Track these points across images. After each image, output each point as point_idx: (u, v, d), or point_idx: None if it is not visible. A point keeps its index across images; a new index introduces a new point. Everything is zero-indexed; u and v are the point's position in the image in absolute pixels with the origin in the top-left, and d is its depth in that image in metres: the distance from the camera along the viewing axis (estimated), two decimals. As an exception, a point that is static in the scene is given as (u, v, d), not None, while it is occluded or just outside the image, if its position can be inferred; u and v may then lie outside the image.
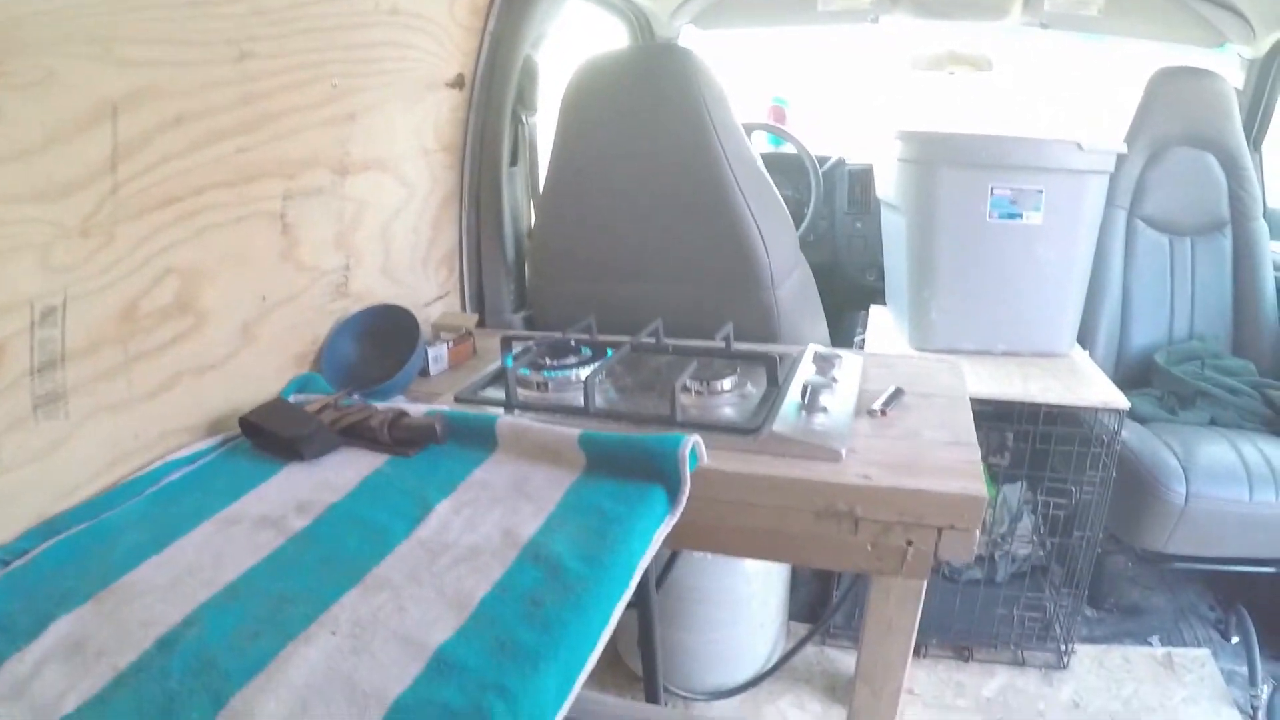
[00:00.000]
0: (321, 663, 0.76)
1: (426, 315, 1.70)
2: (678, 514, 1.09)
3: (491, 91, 1.86)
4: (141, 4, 1.04)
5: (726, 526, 1.20)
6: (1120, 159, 2.16)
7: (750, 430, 1.26)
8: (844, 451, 1.22)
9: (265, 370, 1.37)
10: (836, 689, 2.15)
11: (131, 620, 0.84)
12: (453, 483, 1.10)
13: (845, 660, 2.25)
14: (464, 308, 1.96)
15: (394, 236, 1.67)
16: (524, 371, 1.43)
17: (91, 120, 1.01)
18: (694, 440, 1.12)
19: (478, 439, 1.21)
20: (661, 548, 1.09)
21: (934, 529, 1.15)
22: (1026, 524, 2.35)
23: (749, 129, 1.78)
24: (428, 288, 1.82)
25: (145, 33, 1.06)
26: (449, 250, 1.89)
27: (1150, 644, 2.37)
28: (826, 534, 1.18)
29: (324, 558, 0.94)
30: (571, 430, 1.16)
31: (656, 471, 1.10)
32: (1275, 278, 2.65)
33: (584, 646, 0.83)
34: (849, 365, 1.53)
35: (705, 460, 1.15)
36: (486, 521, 1.01)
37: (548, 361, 1.49)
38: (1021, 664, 2.25)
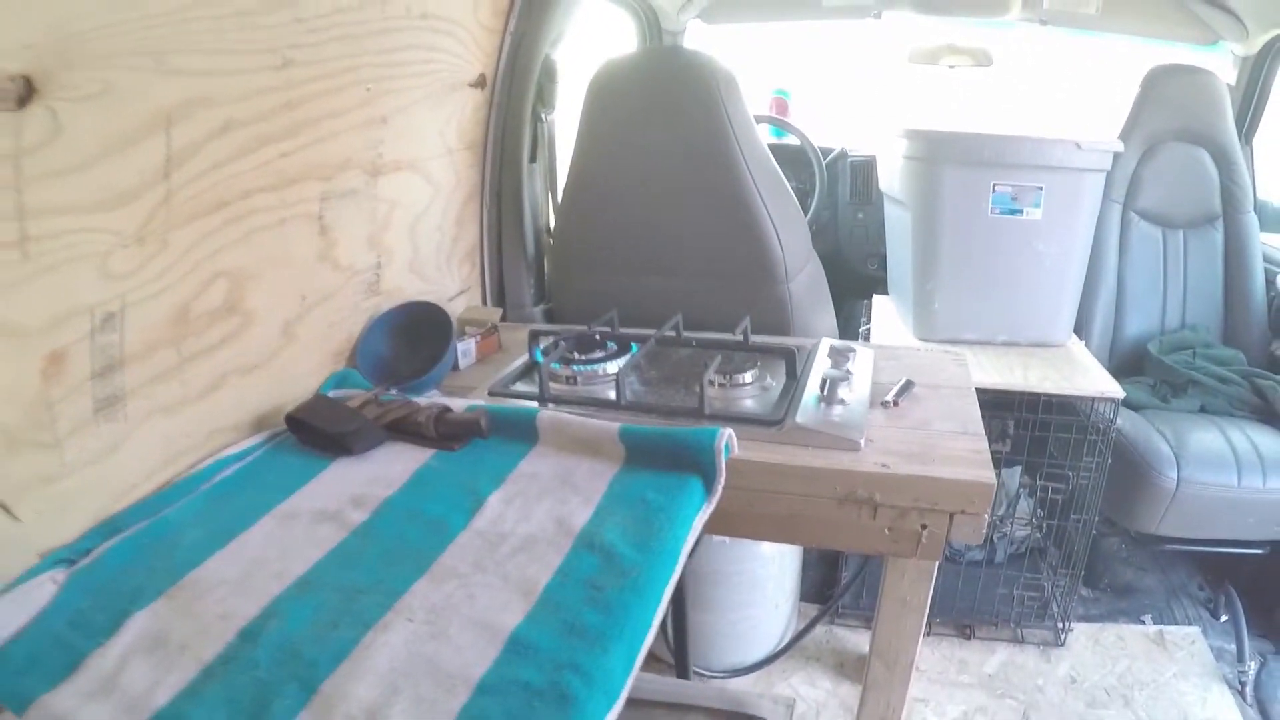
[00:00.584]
0: (403, 648, 0.81)
1: (451, 310, 1.73)
2: (714, 502, 1.15)
3: (512, 91, 1.90)
4: (193, 15, 1.07)
5: (754, 512, 1.26)
6: (1116, 155, 2.22)
7: (774, 422, 1.31)
8: (862, 442, 1.28)
9: (304, 368, 1.41)
10: (845, 665, 2.22)
11: (208, 614, 0.88)
12: (501, 475, 1.16)
13: (852, 638, 2.32)
14: (485, 301, 2.00)
15: (421, 234, 1.71)
16: (554, 366, 1.48)
17: (147, 130, 1.04)
18: (728, 434, 1.18)
19: (519, 432, 1.26)
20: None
21: (946, 514, 1.22)
22: (1024, 507, 2.42)
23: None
24: (451, 283, 1.86)
25: (196, 43, 1.09)
26: (471, 246, 1.94)
27: (1143, 622, 2.45)
28: (847, 519, 1.24)
29: (388, 550, 0.99)
30: (610, 424, 1.22)
31: (693, 463, 1.16)
32: (1264, 269, 2.72)
33: (642, 627, 0.89)
34: (862, 358, 1.58)
35: (736, 452, 1.21)
36: (538, 512, 1.06)
37: (576, 356, 1.53)
38: (1021, 641, 2.32)
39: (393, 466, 1.19)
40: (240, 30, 1.16)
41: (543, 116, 1.99)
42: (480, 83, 1.83)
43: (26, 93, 0.88)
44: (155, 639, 0.85)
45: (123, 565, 0.97)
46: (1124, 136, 2.66)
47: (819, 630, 2.30)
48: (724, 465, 1.15)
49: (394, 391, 1.40)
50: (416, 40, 1.58)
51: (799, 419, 1.31)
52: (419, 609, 0.87)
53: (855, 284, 3.02)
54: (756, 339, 1.63)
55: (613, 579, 0.92)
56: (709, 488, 1.15)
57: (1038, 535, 2.45)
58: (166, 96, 1.06)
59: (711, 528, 1.16)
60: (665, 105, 1.76)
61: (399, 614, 0.86)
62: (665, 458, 1.17)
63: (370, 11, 1.42)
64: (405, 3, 1.50)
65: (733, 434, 1.19)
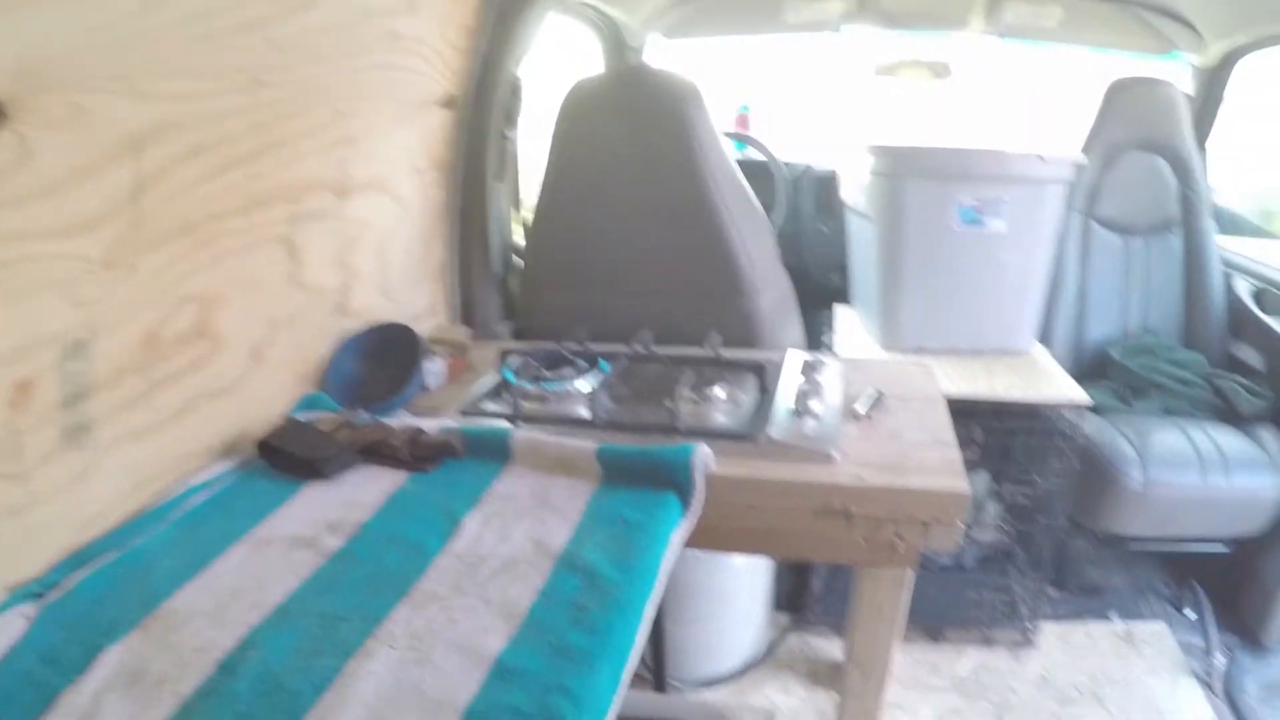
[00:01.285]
0: (388, 676, 0.81)
1: (419, 329, 1.73)
2: (693, 519, 1.15)
3: (480, 110, 1.91)
4: (164, 37, 1.06)
5: (731, 527, 1.26)
6: (1079, 166, 2.26)
7: (749, 437, 1.32)
8: (837, 454, 1.29)
9: (273, 391, 1.39)
10: (818, 673, 2.23)
11: (185, 646, 0.86)
12: (475, 496, 1.15)
13: (824, 646, 2.33)
14: (452, 320, 2.00)
15: (389, 254, 1.70)
16: (525, 384, 1.48)
17: (116, 154, 1.02)
18: (705, 451, 1.18)
19: (493, 453, 1.26)
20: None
21: (921, 523, 1.23)
22: (991, 511, 2.44)
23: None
24: (419, 302, 1.85)
25: (167, 66, 1.08)
26: (438, 265, 1.93)
27: (1110, 620, 2.49)
28: (823, 530, 1.25)
29: (366, 575, 0.98)
30: (587, 444, 1.22)
31: (670, 480, 1.16)
32: (1222, 272, 2.77)
33: (627, 646, 0.88)
34: (831, 370, 1.59)
35: (713, 468, 1.21)
36: (516, 533, 1.06)
37: (546, 374, 1.53)
38: (991, 643, 2.35)
39: (367, 490, 1.18)
40: (211, 52, 1.15)
41: (508, 135, 1.99)
42: (448, 102, 1.83)
43: (-5, 117, 0.86)
44: (131, 674, 0.82)
45: (95, 598, 0.95)
46: (1086, 147, 2.71)
47: (791, 638, 2.30)
48: (702, 482, 1.16)
49: (364, 414, 1.39)
50: (385, 60, 1.57)
51: (773, 433, 1.32)
52: (401, 635, 0.87)
53: (818, 295, 3.03)
54: (726, 353, 1.64)
55: (596, 599, 0.92)
56: (687, 505, 1.15)
57: (1005, 539, 2.47)
58: (136, 120, 1.04)
59: (690, 543, 1.16)
60: (635, 125, 1.77)
61: (381, 641, 0.86)
62: (642, 476, 1.17)
63: (340, 32, 1.41)
64: (375, 22, 1.50)
65: (709, 450, 1.20)
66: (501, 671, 0.81)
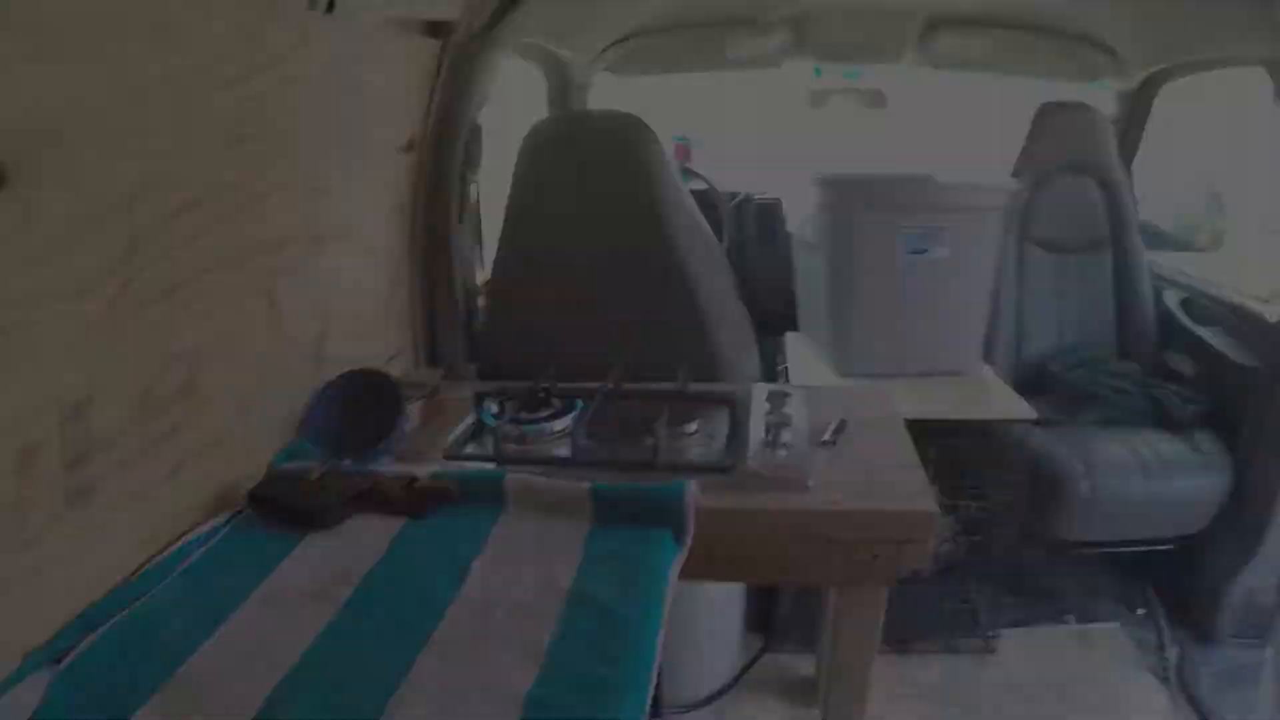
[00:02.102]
0: None
1: (389, 372, 1.74)
2: (685, 552, 1.19)
3: (440, 153, 1.93)
4: (155, 95, 1.08)
5: (715, 556, 1.29)
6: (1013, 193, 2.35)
7: (727, 469, 1.37)
8: (811, 482, 1.34)
9: (258, 442, 1.40)
10: (791, 689, 2.28)
11: (216, 705, 0.87)
12: (478, 540, 1.18)
13: (794, 663, 2.37)
14: (418, 361, 2.01)
15: (359, 299, 1.72)
16: (507, 426, 1.51)
17: (111, 213, 1.03)
18: (694, 487, 1.23)
19: (488, 496, 1.29)
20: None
21: (895, 542, 1.29)
22: (945, 524, 2.51)
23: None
24: (387, 346, 1.87)
25: (157, 123, 1.09)
26: (403, 307, 1.95)
27: (1066, 622, 2.56)
28: (803, 554, 1.31)
29: (384, 624, 1.01)
30: (580, 484, 1.26)
31: (663, 517, 1.21)
32: (1151, 285, 2.89)
33: (645, 676, 0.93)
34: (796, 400, 1.64)
35: (700, 503, 1.25)
36: (524, 574, 1.09)
37: (525, 415, 1.56)
38: (955, 651, 2.40)
39: (366, 538, 1.20)
40: (195, 109, 1.16)
41: (469, 178, 2.02)
42: (410, 147, 1.85)
43: (-2, 180, 0.87)
44: (169, 736, 0.83)
45: (110, 660, 0.95)
46: (1016, 170, 2.82)
47: (764, 658, 2.34)
48: (693, 517, 1.20)
49: (347, 462, 1.40)
50: (354, 110, 1.60)
51: (750, 465, 1.36)
52: (430, 682, 0.89)
53: (765, 323, 3.07)
54: (695, 387, 1.69)
55: (611, 634, 0.96)
56: (679, 539, 1.20)
57: (958, 549, 2.54)
58: (129, 178, 1.06)
59: (683, 575, 1.20)
60: (596, 164, 1.83)
61: (413, 688, 0.88)
62: (634, 513, 1.22)
63: (312, 84, 1.44)
64: (342, 72, 1.53)
65: (696, 487, 1.24)
66: (534, 709, 0.84)
